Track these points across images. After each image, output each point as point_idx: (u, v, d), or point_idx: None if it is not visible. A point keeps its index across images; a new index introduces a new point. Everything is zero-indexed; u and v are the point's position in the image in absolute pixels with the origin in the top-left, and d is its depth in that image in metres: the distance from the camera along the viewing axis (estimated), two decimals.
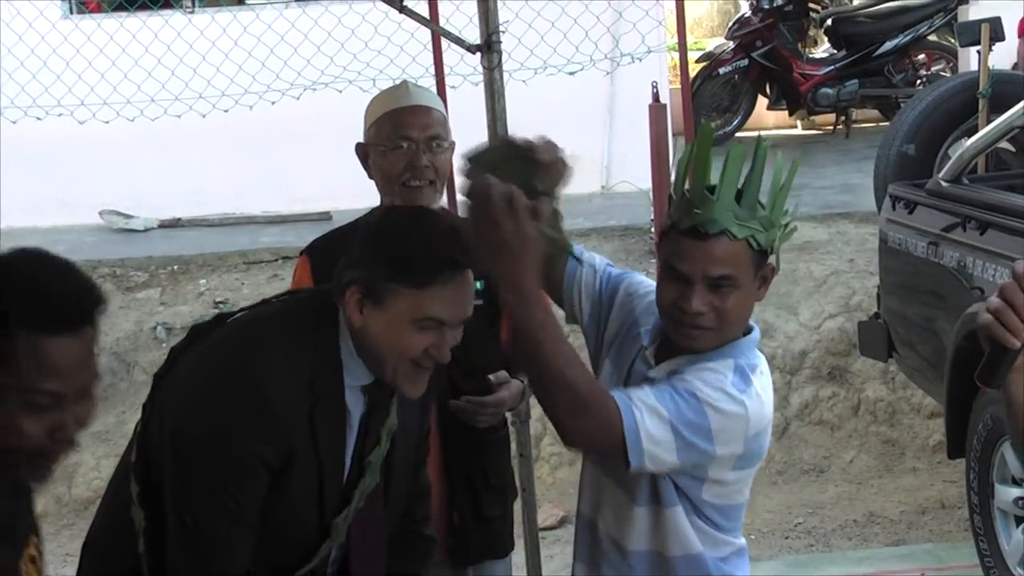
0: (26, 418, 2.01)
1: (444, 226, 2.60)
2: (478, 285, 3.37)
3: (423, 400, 2.82)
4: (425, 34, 6.87)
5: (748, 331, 2.70)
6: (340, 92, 8.39)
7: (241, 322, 2.74)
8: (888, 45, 11.55)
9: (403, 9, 4.47)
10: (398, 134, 3.32)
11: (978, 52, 7.79)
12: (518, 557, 3.92)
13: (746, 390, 2.59)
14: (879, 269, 6.31)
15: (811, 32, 12.22)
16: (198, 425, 2.56)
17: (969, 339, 4.94)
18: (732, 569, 2.76)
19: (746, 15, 11.84)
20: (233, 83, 8.85)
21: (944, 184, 5.83)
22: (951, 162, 6.00)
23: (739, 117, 11.51)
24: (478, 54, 4.18)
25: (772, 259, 2.65)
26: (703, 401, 2.55)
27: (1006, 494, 5.20)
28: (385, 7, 4.81)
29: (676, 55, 9.67)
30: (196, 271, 8.73)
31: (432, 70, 6.68)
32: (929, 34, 11.73)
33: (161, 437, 2.62)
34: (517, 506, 3.80)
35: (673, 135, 9.53)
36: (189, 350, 2.70)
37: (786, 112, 12.05)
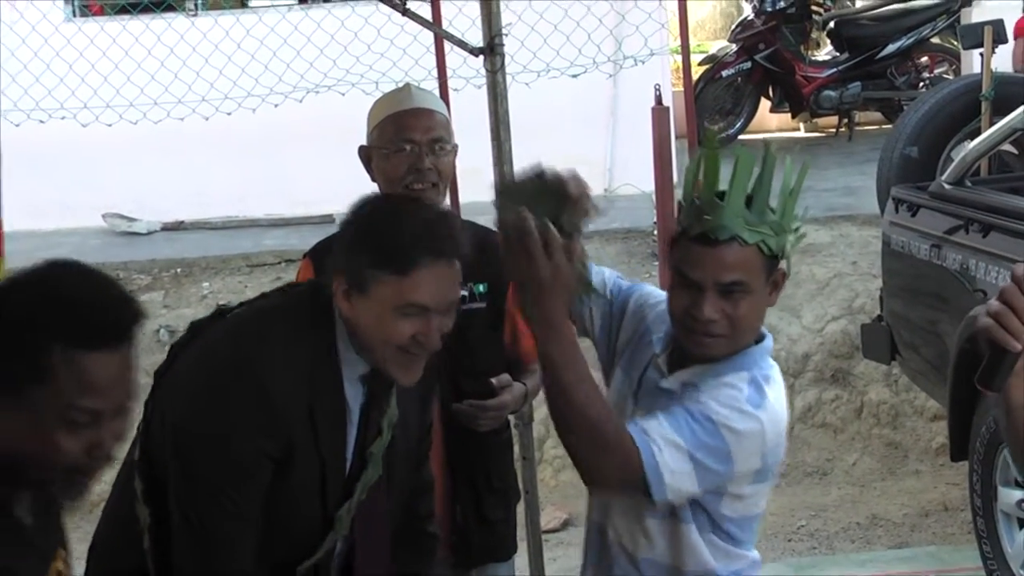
0: (64, 435, 1.97)
1: (428, 213, 2.61)
2: (481, 288, 3.40)
3: (424, 393, 2.83)
4: (428, 37, 6.88)
5: (760, 338, 2.67)
6: (343, 95, 8.36)
7: (240, 317, 2.73)
8: (891, 48, 11.53)
9: (406, 12, 4.48)
10: (401, 137, 3.31)
11: (981, 55, 7.78)
12: (521, 560, 3.92)
13: (761, 403, 2.58)
14: (882, 272, 6.30)
15: (814, 35, 12.19)
16: (199, 422, 2.56)
17: (972, 342, 4.93)
18: None
19: (749, 18, 11.81)
20: (236, 86, 8.84)
21: (947, 187, 5.82)
22: (954, 165, 5.99)
23: (742, 120, 11.50)
24: (481, 57, 4.18)
25: (783, 264, 2.64)
26: (719, 424, 2.53)
27: (1009, 496, 5.19)
28: (388, 10, 4.82)
29: (679, 58, 9.66)
30: (199, 274, 8.73)
31: (435, 73, 6.70)
32: (932, 37, 11.71)
33: (163, 434, 2.62)
34: (520, 509, 3.80)
35: (676, 138, 9.51)
36: (189, 346, 2.70)
37: (789, 115, 12.04)
